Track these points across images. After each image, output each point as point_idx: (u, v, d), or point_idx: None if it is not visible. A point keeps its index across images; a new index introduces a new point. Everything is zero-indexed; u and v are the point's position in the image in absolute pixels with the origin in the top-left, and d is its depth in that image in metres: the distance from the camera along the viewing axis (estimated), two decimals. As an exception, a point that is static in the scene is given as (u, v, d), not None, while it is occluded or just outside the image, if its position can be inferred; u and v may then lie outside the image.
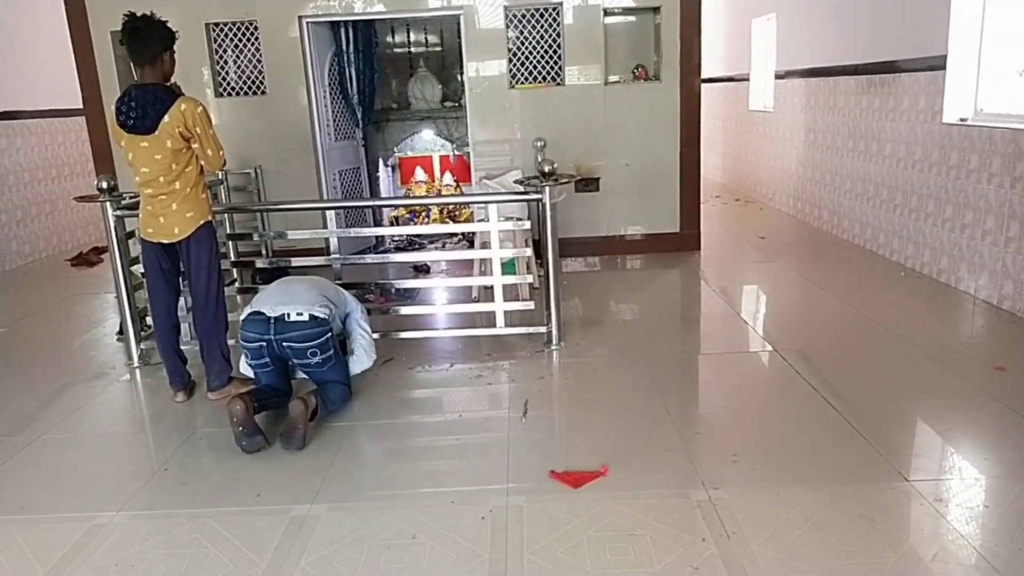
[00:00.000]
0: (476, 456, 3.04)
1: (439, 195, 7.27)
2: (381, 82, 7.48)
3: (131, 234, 4.04)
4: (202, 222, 3.52)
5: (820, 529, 2.41)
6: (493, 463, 2.94)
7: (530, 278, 4.59)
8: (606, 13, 6.02)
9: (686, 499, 2.61)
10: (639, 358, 3.97)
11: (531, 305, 4.31)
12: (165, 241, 3.51)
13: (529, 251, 4.56)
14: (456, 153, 7.53)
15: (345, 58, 6.70)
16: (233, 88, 6.24)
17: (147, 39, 3.33)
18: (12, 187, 6.88)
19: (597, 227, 6.31)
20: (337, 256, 4.27)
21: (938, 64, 4.87)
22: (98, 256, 7.05)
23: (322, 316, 3.25)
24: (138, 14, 3.35)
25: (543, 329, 4.21)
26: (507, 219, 4.37)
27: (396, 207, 7.26)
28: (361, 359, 3.54)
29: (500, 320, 4.21)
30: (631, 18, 6.31)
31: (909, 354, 3.88)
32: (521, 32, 6.08)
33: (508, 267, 4.86)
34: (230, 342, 3.67)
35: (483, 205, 4.77)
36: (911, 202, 5.34)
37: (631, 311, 4.93)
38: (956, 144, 4.78)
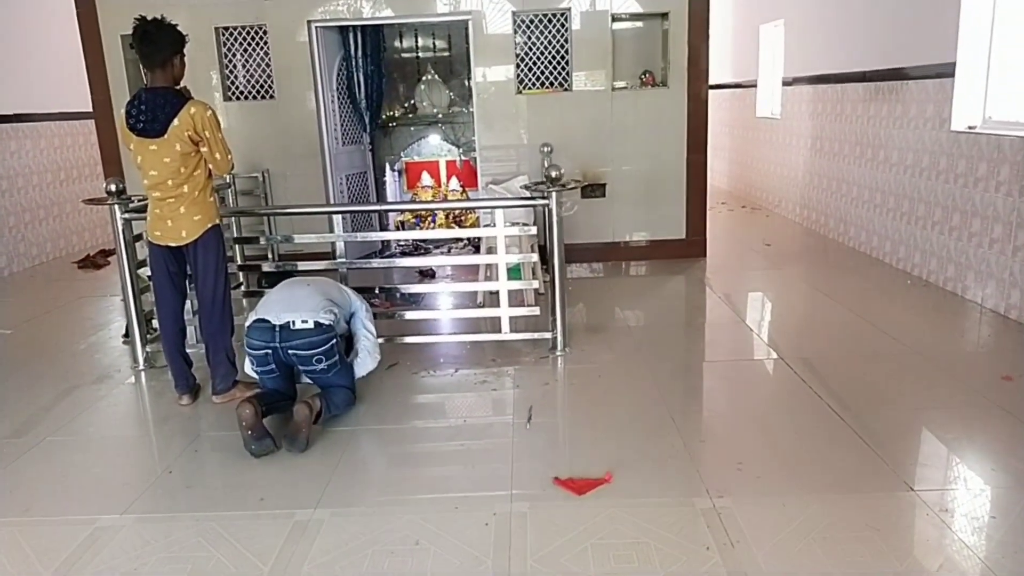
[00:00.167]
0: (480, 462, 3.04)
1: (445, 200, 7.28)
2: (389, 87, 7.50)
3: (139, 237, 4.06)
4: (210, 225, 3.53)
5: (825, 539, 2.40)
6: (497, 469, 2.93)
7: (536, 283, 4.58)
8: (614, 19, 6.02)
9: (691, 507, 2.60)
10: (644, 365, 3.96)
11: (536, 311, 4.31)
12: (172, 244, 3.52)
13: (535, 256, 4.55)
14: (463, 158, 7.53)
15: (353, 63, 6.72)
16: (242, 92, 6.27)
17: (158, 43, 3.35)
18: (21, 189, 6.91)
19: (603, 233, 6.31)
20: (343, 260, 4.27)
21: (947, 71, 4.86)
22: (105, 259, 7.08)
23: (327, 323, 3.25)
24: (149, 18, 3.37)
25: (548, 335, 4.20)
26: (513, 224, 4.37)
27: (402, 212, 7.27)
28: (365, 361, 3.54)
29: (505, 325, 4.20)
30: (639, 24, 6.32)
31: (915, 363, 3.87)
32: (529, 37, 6.09)
33: (514, 272, 4.86)
34: (235, 345, 3.68)
35: (489, 210, 4.78)
36: (918, 210, 5.32)
37: (636, 317, 4.92)
38: (964, 152, 4.76)
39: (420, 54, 7.80)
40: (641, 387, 3.68)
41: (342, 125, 6.58)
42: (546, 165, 5.44)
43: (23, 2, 7.03)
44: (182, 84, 3.49)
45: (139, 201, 4.06)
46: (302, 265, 4.38)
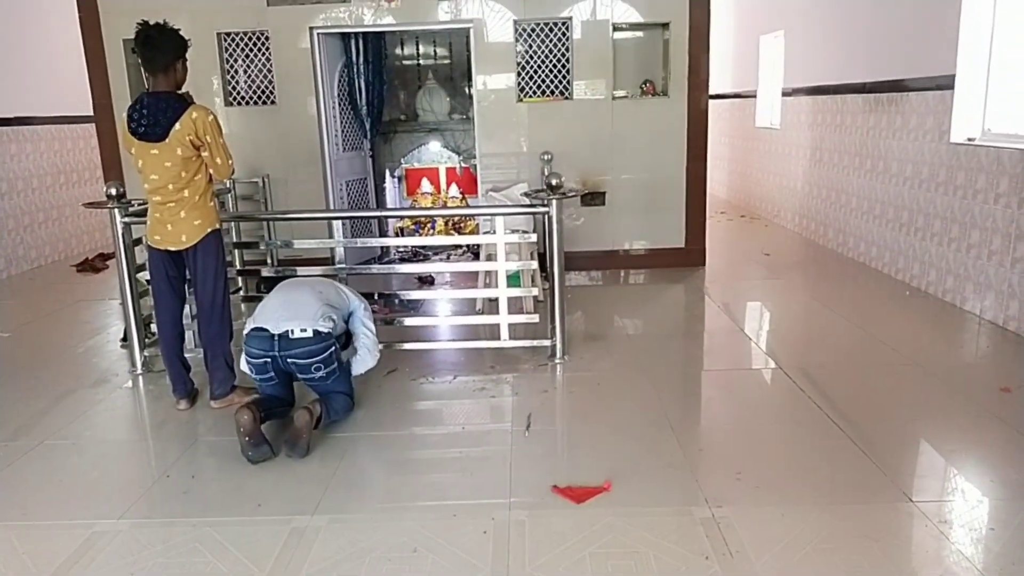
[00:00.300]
0: (478, 469, 3.03)
1: (445, 207, 7.29)
2: (390, 94, 7.52)
3: (138, 241, 4.06)
4: (210, 230, 3.53)
5: (824, 549, 2.39)
6: (495, 477, 2.93)
7: (535, 291, 4.58)
8: (615, 28, 6.04)
9: (689, 516, 2.60)
10: (643, 373, 3.96)
11: (536, 318, 4.31)
12: (172, 248, 3.52)
13: (535, 264, 4.56)
14: (463, 165, 7.55)
15: (355, 69, 6.73)
16: (243, 97, 6.28)
17: (160, 47, 3.35)
18: (21, 192, 6.91)
19: (602, 241, 6.32)
20: (342, 266, 4.27)
21: (946, 84, 4.88)
22: (104, 262, 7.08)
23: (325, 331, 3.24)
24: (151, 22, 3.38)
25: (547, 342, 4.20)
26: (513, 231, 4.38)
27: (402, 218, 7.28)
28: (365, 359, 3.52)
29: (504, 333, 4.20)
30: (639, 34, 6.34)
31: (914, 374, 3.87)
32: (530, 46, 6.11)
33: (513, 279, 4.86)
34: (234, 350, 3.68)
35: (489, 217, 4.78)
36: (917, 221, 5.33)
37: (635, 326, 4.92)
38: (963, 164, 4.78)
39: (421, 61, 7.83)
40: (640, 395, 3.68)
41: (343, 131, 6.59)
42: (546, 173, 5.45)
43: (25, 5, 7.05)
44: (184, 89, 3.50)
45: (139, 205, 4.06)
46: (301, 270, 4.37)
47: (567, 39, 6.05)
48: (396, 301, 5.15)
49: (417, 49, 7.77)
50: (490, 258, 4.85)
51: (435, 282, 6.02)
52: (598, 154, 6.17)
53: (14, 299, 6.07)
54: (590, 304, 5.36)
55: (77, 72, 6.47)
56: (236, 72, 6.25)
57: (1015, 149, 4.32)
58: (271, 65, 6.12)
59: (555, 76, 6.15)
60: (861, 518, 2.55)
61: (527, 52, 6.12)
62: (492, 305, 4.73)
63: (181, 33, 3.43)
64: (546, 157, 5.87)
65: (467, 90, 7.59)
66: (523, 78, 6.15)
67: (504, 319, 4.19)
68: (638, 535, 2.49)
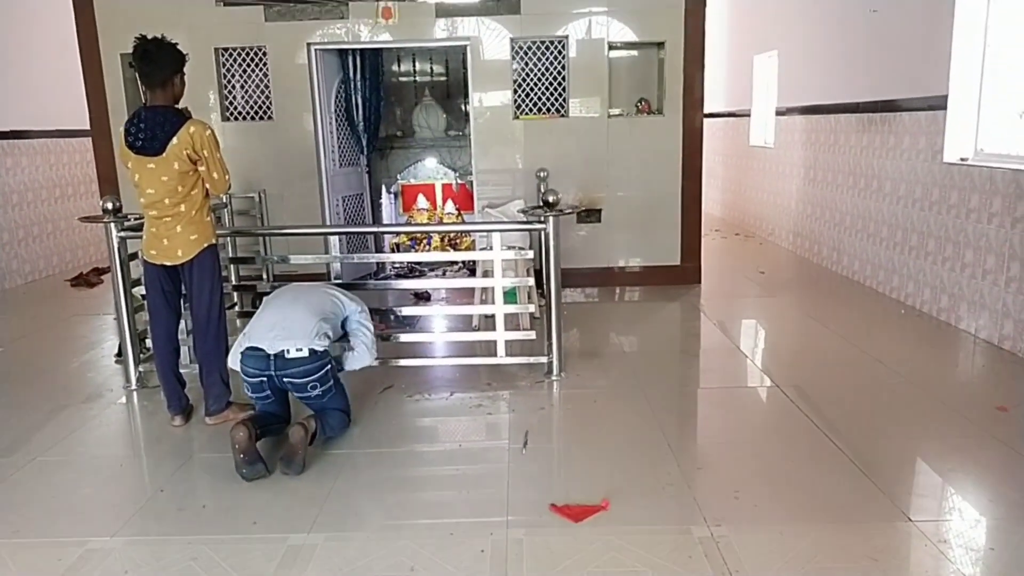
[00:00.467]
0: (475, 487, 3.01)
1: (441, 223, 7.30)
2: (386, 110, 7.54)
3: (134, 255, 4.04)
4: (206, 245, 3.52)
5: (824, 568, 2.38)
6: (493, 495, 2.91)
7: (532, 308, 4.58)
8: (611, 47, 6.09)
9: (688, 535, 2.58)
10: (640, 391, 3.95)
11: (532, 335, 4.30)
12: (168, 263, 3.51)
13: (531, 280, 4.56)
14: (459, 181, 7.57)
15: (352, 85, 6.76)
16: (240, 112, 6.29)
17: (158, 62, 3.36)
18: (16, 206, 6.89)
19: (598, 258, 6.33)
20: (338, 281, 4.26)
21: (939, 104, 4.93)
22: (98, 277, 7.05)
23: (321, 349, 3.22)
24: (149, 37, 3.39)
25: (544, 359, 4.19)
26: (510, 248, 4.38)
27: (398, 234, 7.28)
28: (362, 356, 3.49)
29: (501, 349, 4.19)
30: (635, 53, 6.39)
31: (910, 392, 3.87)
32: (526, 64, 6.15)
33: (510, 296, 4.86)
34: (230, 366, 3.65)
35: (486, 233, 4.79)
36: (911, 240, 5.36)
37: (631, 343, 4.92)
38: (956, 183, 4.81)
39: (418, 78, 7.86)
40: (637, 413, 3.67)
41: (339, 147, 6.60)
42: (543, 190, 5.47)
43: (22, 19, 7.06)
44: (184, 106, 3.50)
45: (135, 219, 4.05)
46: (298, 286, 4.36)
47: (563, 57, 6.10)
48: (392, 317, 5.14)
49: (414, 66, 7.81)
50: (487, 274, 4.85)
51: (431, 298, 6.01)
52: (594, 172, 6.20)
53: (7, 313, 6.03)
54: (586, 321, 5.36)
55: (74, 86, 6.47)
56: (233, 87, 6.26)
57: (1008, 169, 4.36)
58: (268, 80, 6.14)
59: (551, 94, 6.19)
60: (860, 537, 2.54)
61: (523, 70, 6.16)
62: (488, 322, 4.73)
63: (179, 47, 3.44)
64: (542, 174, 5.89)
65: (463, 107, 7.62)
66: (519, 95, 6.18)
67: (501, 336, 4.19)
68: (637, 554, 2.47)
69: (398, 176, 7.74)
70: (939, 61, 4.89)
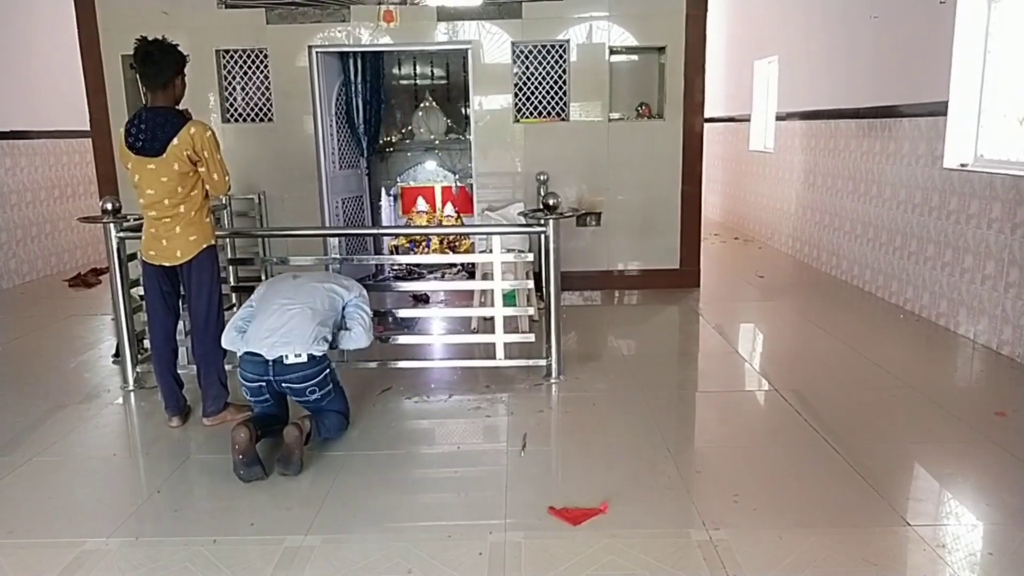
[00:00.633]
0: (474, 490, 3.00)
1: (441, 225, 7.30)
2: (387, 113, 7.54)
3: (133, 256, 4.03)
4: (205, 246, 3.51)
5: (823, 573, 2.38)
6: (491, 497, 2.90)
7: (531, 310, 4.58)
8: (611, 52, 6.10)
9: (687, 539, 2.58)
10: (639, 394, 3.95)
11: (531, 337, 4.30)
12: (167, 264, 3.50)
13: (530, 283, 4.56)
14: (458, 184, 7.57)
15: (353, 88, 6.76)
16: (240, 114, 6.29)
17: (159, 63, 3.36)
18: (14, 206, 6.89)
19: (597, 261, 6.33)
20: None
21: (939, 110, 4.93)
22: (96, 277, 7.04)
23: (319, 354, 3.21)
24: (150, 38, 3.39)
25: (543, 362, 4.19)
26: (509, 251, 4.38)
27: (397, 236, 7.27)
28: (359, 337, 3.44)
29: (500, 352, 4.19)
30: (635, 57, 6.40)
31: (908, 397, 3.87)
32: (527, 68, 6.16)
33: (509, 299, 4.86)
34: (227, 367, 3.65)
35: (485, 236, 4.79)
36: (911, 245, 5.37)
37: (630, 346, 4.91)
38: (956, 189, 4.82)
39: (418, 81, 7.86)
40: (636, 416, 3.67)
41: (339, 149, 6.60)
42: (543, 193, 5.47)
43: (23, 19, 7.07)
44: (184, 107, 3.50)
45: (135, 220, 4.04)
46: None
47: (564, 61, 6.10)
48: (391, 319, 5.13)
49: (415, 69, 7.81)
50: (486, 277, 4.84)
51: (430, 300, 6.01)
52: (594, 175, 6.20)
53: (5, 313, 6.02)
54: (585, 324, 5.36)
55: (74, 87, 6.48)
56: (234, 89, 6.26)
57: (1008, 175, 4.36)
58: (269, 83, 6.14)
59: (552, 97, 6.20)
60: (859, 541, 2.54)
61: (524, 73, 6.16)
62: (487, 324, 4.72)
63: (179, 49, 3.44)
64: (542, 177, 5.89)
65: (464, 110, 7.62)
66: (520, 99, 6.19)
67: (500, 338, 4.18)
68: (635, 557, 2.47)
69: (398, 178, 7.73)
70: (940, 67, 4.90)
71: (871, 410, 3.70)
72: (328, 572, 2.43)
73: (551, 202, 3.99)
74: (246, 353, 3.21)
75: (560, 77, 6.14)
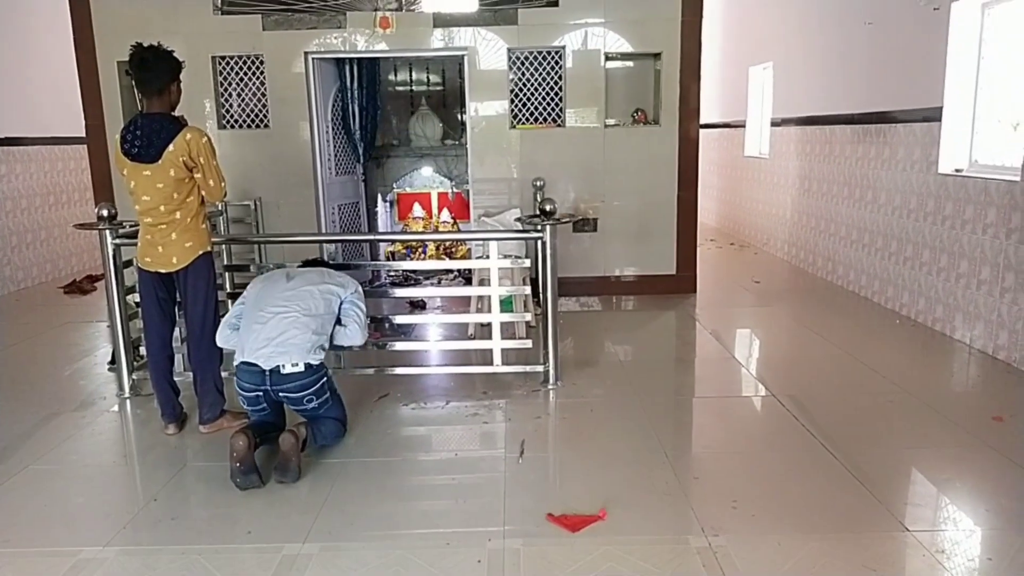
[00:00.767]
0: (472, 497, 2.99)
1: (436, 231, 7.30)
2: (383, 119, 7.55)
3: (128, 263, 4.02)
4: (201, 252, 3.50)
5: (822, 579, 2.37)
6: (489, 504, 2.89)
7: (528, 316, 4.58)
8: (607, 58, 6.11)
9: (685, 545, 2.57)
10: (636, 400, 3.95)
11: (528, 343, 4.29)
12: (163, 270, 3.49)
13: (527, 289, 4.55)
14: (454, 190, 7.57)
15: (348, 94, 6.77)
16: (236, 120, 6.28)
17: (155, 70, 3.36)
18: (9, 213, 6.86)
19: (594, 267, 6.33)
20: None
21: (933, 116, 4.95)
22: (91, 284, 7.02)
23: (316, 363, 3.20)
24: (146, 45, 3.38)
25: (540, 368, 4.18)
26: (506, 256, 4.38)
27: (394, 242, 7.27)
28: (354, 334, 3.41)
29: (497, 358, 4.18)
30: (631, 63, 6.41)
31: (905, 402, 3.87)
32: (523, 74, 6.17)
33: (506, 305, 4.85)
34: (224, 374, 3.63)
35: (481, 242, 4.79)
36: (906, 250, 5.38)
37: (627, 352, 4.91)
38: (951, 194, 4.83)
39: (414, 87, 7.87)
40: (633, 422, 3.66)
41: (336, 155, 6.60)
42: (539, 199, 5.47)
43: (19, 26, 7.05)
44: (180, 114, 3.49)
45: (131, 227, 4.03)
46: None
47: (560, 68, 6.12)
48: (387, 325, 5.12)
49: (410, 75, 7.82)
50: (482, 283, 4.84)
51: (427, 307, 6.00)
52: (590, 181, 6.21)
53: (-1, 320, 6.00)
54: (582, 330, 5.35)
55: (69, 93, 6.47)
56: (230, 95, 6.26)
57: (1002, 180, 4.38)
58: (265, 89, 6.14)
59: (548, 104, 6.21)
60: (858, 547, 2.54)
61: (520, 80, 6.18)
62: (484, 330, 4.72)
63: (175, 55, 3.43)
64: (538, 183, 5.89)
65: (459, 116, 7.63)
66: (516, 105, 6.20)
67: (497, 344, 4.18)
68: (634, 564, 2.46)
69: (394, 185, 7.74)
70: (934, 73, 4.92)
71: (868, 415, 3.71)
72: (326, 580, 2.42)
73: (548, 208, 3.99)
74: (242, 363, 3.19)
75: (556, 83, 6.16)
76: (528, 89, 6.19)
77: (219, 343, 3.43)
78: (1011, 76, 4.55)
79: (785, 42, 7.67)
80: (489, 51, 6.05)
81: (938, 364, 4.56)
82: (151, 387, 3.72)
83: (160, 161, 3.32)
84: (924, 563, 2.47)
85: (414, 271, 6.88)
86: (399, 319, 4.78)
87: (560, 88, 6.15)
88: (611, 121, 6.28)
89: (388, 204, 7.76)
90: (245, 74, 6.18)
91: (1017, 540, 2.58)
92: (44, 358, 4.93)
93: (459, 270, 6.67)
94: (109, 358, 4.55)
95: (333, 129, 6.54)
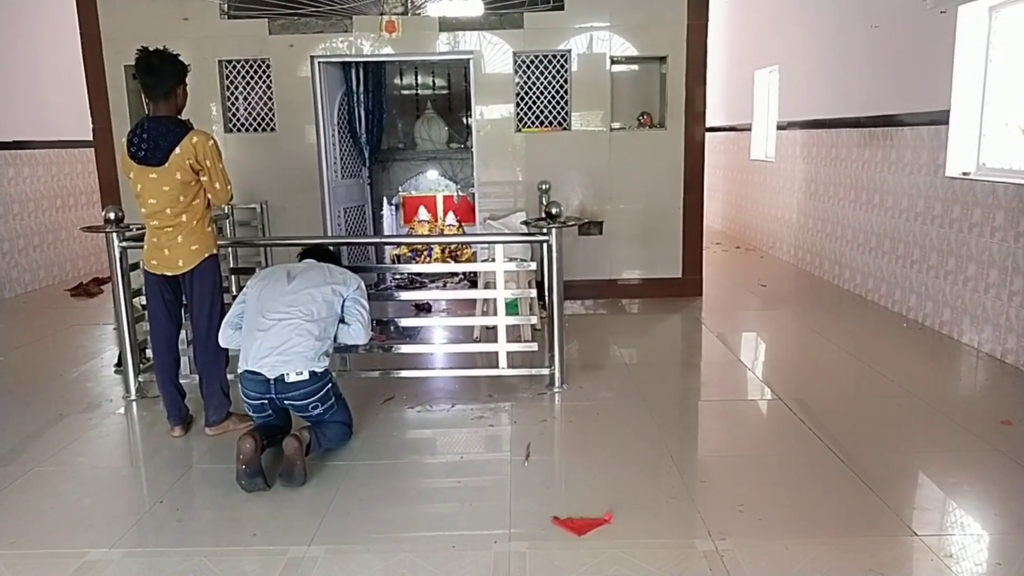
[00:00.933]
0: (477, 500, 2.99)
1: (442, 234, 7.30)
2: (388, 122, 7.57)
3: (135, 266, 4.03)
4: (207, 255, 3.51)
5: (829, 584, 2.36)
6: (495, 507, 2.89)
7: (533, 319, 4.57)
8: (613, 61, 6.11)
9: (692, 549, 2.56)
10: (642, 403, 3.94)
11: (534, 346, 4.29)
12: (169, 273, 3.50)
13: (533, 292, 4.55)
14: (460, 194, 7.58)
15: (355, 98, 6.78)
16: (242, 124, 6.30)
17: (161, 73, 3.37)
18: (17, 216, 6.89)
19: (600, 270, 6.33)
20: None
21: (941, 119, 4.94)
22: (98, 287, 7.04)
23: (321, 370, 3.20)
24: (152, 49, 3.40)
25: (546, 371, 4.18)
26: (512, 259, 4.38)
27: (399, 245, 7.28)
28: (358, 333, 3.38)
29: (502, 361, 4.18)
30: (636, 67, 6.41)
31: (913, 406, 3.85)
32: (528, 77, 6.17)
33: (511, 308, 4.85)
34: (229, 376, 3.64)
35: (487, 245, 4.79)
36: (913, 254, 5.36)
37: (633, 355, 4.90)
38: (959, 197, 4.81)
39: (420, 91, 7.89)
40: (639, 425, 3.65)
41: (342, 159, 6.62)
42: (545, 202, 5.47)
43: (26, 29, 7.09)
44: (186, 118, 3.50)
45: (137, 229, 4.04)
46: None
47: (565, 71, 6.12)
48: (393, 328, 5.13)
49: (416, 79, 7.84)
50: (488, 286, 4.84)
51: (432, 309, 6.00)
52: (596, 184, 6.21)
53: (7, 323, 6.02)
54: (588, 333, 5.35)
55: (76, 97, 6.50)
56: (236, 99, 6.28)
57: (1011, 183, 4.36)
58: (271, 93, 6.16)
59: (553, 107, 6.21)
60: (865, 551, 2.52)
61: (526, 83, 6.18)
62: (490, 333, 4.72)
63: (181, 59, 3.44)
64: (544, 187, 5.90)
65: (465, 120, 7.64)
66: (521, 109, 6.20)
67: (502, 347, 4.17)
68: (640, 568, 2.45)
69: (399, 188, 7.76)
70: (941, 76, 4.91)
71: (875, 419, 3.69)
72: (331, 583, 2.42)
73: (553, 211, 3.99)
74: (247, 372, 3.18)
75: (562, 87, 6.16)
76: (534, 93, 6.19)
77: (221, 343, 3.44)
78: (1019, 79, 4.53)
79: (791, 45, 7.67)
80: (495, 55, 6.06)
81: (946, 368, 4.54)
82: (157, 389, 3.72)
83: (166, 164, 3.33)
84: (932, 568, 2.45)
85: (419, 274, 6.88)
86: (404, 322, 4.78)
87: (566, 92, 6.15)
88: (617, 125, 6.28)
89: (394, 207, 7.78)
90: (251, 78, 6.20)
91: (1026, 545, 2.56)
92: (51, 360, 4.95)
93: (464, 273, 6.68)
94: (115, 360, 4.56)
95: (339, 133, 6.56)
